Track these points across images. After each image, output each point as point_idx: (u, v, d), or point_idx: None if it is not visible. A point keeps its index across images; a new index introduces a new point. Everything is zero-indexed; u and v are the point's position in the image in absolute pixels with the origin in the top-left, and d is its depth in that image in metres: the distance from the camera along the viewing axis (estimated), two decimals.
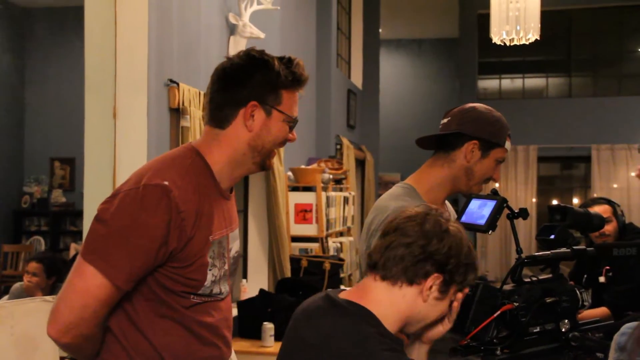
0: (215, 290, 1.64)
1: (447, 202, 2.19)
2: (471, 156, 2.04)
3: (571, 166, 11.54)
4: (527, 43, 4.74)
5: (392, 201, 2.00)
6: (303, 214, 5.54)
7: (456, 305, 1.55)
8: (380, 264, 1.48)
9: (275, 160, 4.85)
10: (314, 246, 5.46)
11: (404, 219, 1.48)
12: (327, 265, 4.77)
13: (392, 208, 1.97)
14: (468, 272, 1.50)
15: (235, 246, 1.74)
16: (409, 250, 1.44)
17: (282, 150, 5.01)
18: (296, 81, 1.67)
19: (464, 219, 1.87)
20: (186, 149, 1.68)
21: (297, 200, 5.49)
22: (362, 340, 1.40)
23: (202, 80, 3.63)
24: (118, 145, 2.96)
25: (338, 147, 7.53)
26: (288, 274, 4.86)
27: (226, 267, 1.68)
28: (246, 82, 1.64)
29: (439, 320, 1.56)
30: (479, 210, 1.84)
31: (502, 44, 4.85)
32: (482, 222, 1.81)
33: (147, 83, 3.02)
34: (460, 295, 1.53)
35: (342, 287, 5.16)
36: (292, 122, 1.69)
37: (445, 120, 2.08)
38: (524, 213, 1.85)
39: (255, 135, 1.65)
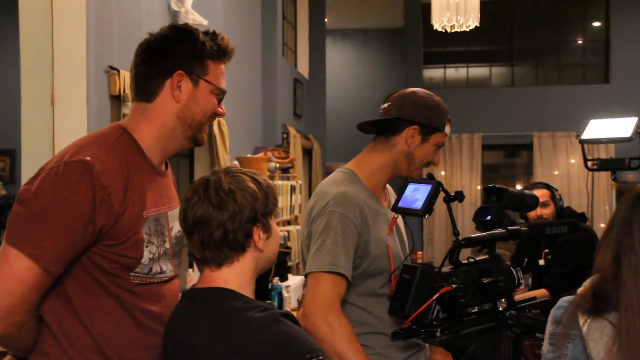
0: (155, 268, 1.60)
1: (388, 186, 2.21)
2: (412, 141, 2.06)
3: (514, 154, 11.77)
4: (468, 30, 4.83)
5: (333, 186, 2.01)
6: None
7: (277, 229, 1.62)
8: (207, 258, 1.51)
9: (220, 149, 4.83)
10: None
11: (191, 209, 1.49)
12: None
13: (334, 193, 1.98)
14: (269, 199, 1.54)
15: (177, 226, 1.70)
16: (221, 231, 1.47)
17: (227, 138, 4.98)
18: (222, 52, 1.66)
19: (400, 204, 1.88)
20: (112, 127, 1.65)
21: None
22: (234, 315, 1.44)
23: None
24: (57, 133, 2.90)
25: (285, 136, 7.52)
26: None
27: (167, 245, 1.65)
28: (171, 52, 1.62)
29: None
30: (415, 194, 1.86)
31: (444, 31, 4.93)
32: (419, 206, 1.83)
33: (85, 69, 2.96)
34: (274, 219, 1.60)
35: (290, 275, 5.18)
36: (220, 94, 1.68)
37: (385, 105, 2.10)
38: (459, 196, 1.88)
39: (184, 107, 1.62)
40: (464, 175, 10.90)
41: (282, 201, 6.06)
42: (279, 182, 5.91)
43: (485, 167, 11.26)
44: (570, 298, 1.29)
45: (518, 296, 2.02)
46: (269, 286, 4.39)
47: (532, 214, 3.97)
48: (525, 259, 4.06)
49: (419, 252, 7.94)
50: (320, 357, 1.17)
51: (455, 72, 11.93)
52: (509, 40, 11.57)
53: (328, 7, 10.23)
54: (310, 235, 1.97)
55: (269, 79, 7.09)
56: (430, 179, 1.90)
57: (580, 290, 1.27)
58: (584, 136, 4.26)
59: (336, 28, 12.36)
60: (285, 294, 4.53)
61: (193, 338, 1.46)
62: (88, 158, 1.48)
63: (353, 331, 1.90)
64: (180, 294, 1.73)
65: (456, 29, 4.80)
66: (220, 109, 1.70)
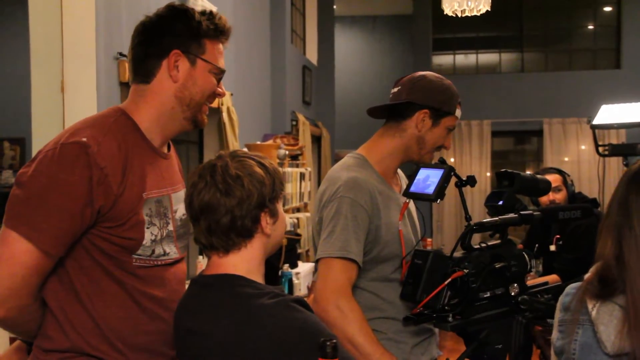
0: (158, 250, 1.60)
1: (399, 171, 2.21)
2: (422, 125, 2.05)
3: (524, 140, 11.71)
4: (479, 14, 4.78)
5: (344, 172, 2.01)
6: None
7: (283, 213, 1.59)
8: (215, 245, 1.48)
9: (230, 136, 4.82)
10: None
11: (198, 195, 1.47)
12: (283, 241, 4.78)
13: (344, 179, 1.97)
14: (276, 184, 1.52)
15: (182, 208, 1.69)
16: (229, 217, 1.45)
17: (236, 125, 4.97)
18: (219, 31, 1.65)
19: (412, 188, 1.87)
20: (110, 109, 1.64)
21: None
22: (244, 302, 1.42)
23: None
24: (67, 120, 2.90)
25: (294, 123, 7.50)
26: None
27: (170, 227, 1.64)
28: (167, 31, 1.60)
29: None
30: (427, 179, 1.85)
31: (455, 16, 4.89)
32: (431, 191, 1.82)
33: (95, 56, 2.95)
34: (280, 203, 1.57)
35: (299, 262, 5.19)
36: (218, 73, 1.66)
37: (395, 90, 2.09)
38: (471, 181, 1.87)
39: (181, 86, 1.61)
40: (474, 161, 10.86)
41: (292, 188, 6.06)
42: (288, 169, 5.91)
43: (495, 154, 11.21)
44: (577, 284, 1.29)
45: (530, 282, 2.01)
46: (279, 273, 4.40)
47: (544, 199, 3.96)
48: (536, 245, 4.04)
49: (429, 239, 7.93)
50: (334, 341, 1.16)
51: (464, 59, 11.86)
52: (519, 26, 11.48)
53: None
54: (322, 221, 1.97)
55: (277, 66, 7.07)
56: (442, 163, 1.89)
57: (587, 276, 1.26)
58: (596, 121, 4.23)
59: (345, 15, 12.31)
60: (295, 281, 4.53)
61: (203, 326, 1.45)
62: (84, 139, 1.47)
63: (364, 316, 1.89)
64: (185, 279, 1.72)
65: (467, 14, 4.77)
66: (220, 89, 1.68)
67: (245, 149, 5.50)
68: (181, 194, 1.72)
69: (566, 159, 10.65)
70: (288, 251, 4.79)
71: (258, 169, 1.48)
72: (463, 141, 10.88)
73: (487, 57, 11.78)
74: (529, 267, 1.93)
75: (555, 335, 1.30)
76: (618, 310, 1.17)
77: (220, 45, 1.67)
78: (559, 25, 11.43)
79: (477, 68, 11.71)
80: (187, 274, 1.79)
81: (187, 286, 1.60)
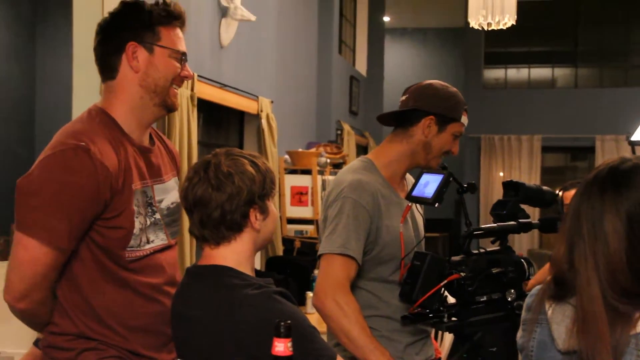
0: (144, 239, 1.70)
1: (409, 176, 2.28)
2: (428, 131, 2.11)
3: (576, 157, 11.54)
4: (505, 28, 4.82)
5: (349, 174, 2.09)
6: (299, 196, 5.64)
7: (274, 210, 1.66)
8: (206, 237, 1.58)
9: (268, 142, 4.94)
10: (309, 228, 5.58)
11: (192, 189, 1.56)
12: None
13: (349, 180, 2.06)
14: (267, 182, 1.60)
15: (169, 198, 1.80)
16: (219, 211, 1.54)
17: (275, 132, 5.09)
18: (171, 16, 1.72)
19: (414, 193, 1.95)
20: (90, 110, 1.75)
21: (293, 182, 5.59)
22: (229, 292, 1.52)
23: (192, 61, 3.63)
24: None
25: (339, 132, 7.61)
26: (280, 253, 4.96)
27: (157, 216, 1.75)
28: (121, 26, 1.70)
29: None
30: (428, 184, 1.92)
31: (481, 29, 4.94)
32: (430, 195, 1.89)
33: None
34: (272, 201, 1.63)
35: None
36: (179, 57, 1.73)
37: (403, 98, 2.17)
38: (472, 187, 1.93)
39: (144, 74, 1.70)
40: (523, 177, 10.73)
41: None
42: (329, 177, 6.00)
43: (545, 170, 11.07)
44: (540, 286, 1.35)
45: None
46: (311, 277, 4.49)
47: None
48: None
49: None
50: (289, 322, 1.25)
51: (516, 73, 11.77)
52: (574, 41, 11.34)
53: (388, 6, 10.25)
54: (326, 219, 2.06)
55: (324, 76, 7.20)
56: (443, 169, 1.96)
57: (548, 278, 1.32)
58: (635, 137, 4.20)
59: (395, 27, 12.38)
60: None
61: (192, 312, 1.57)
62: (83, 143, 1.58)
63: (360, 311, 1.96)
64: (177, 264, 1.85)
65: (493, 27, 4.81)
66: (185, 71, 1.76)
67: (286, 156, 5.63)
68: (169, 184, 1.83)
69: None
70: None
71: (249, 168, 1.57)
72: (512, 155, 10.78)
73: (540, 72, 11.67)
74: (527, 274, 1.98)
75: (519, 333, 1.36)
76: (570, 310, 1.23)
77: (178, 30, 1.75)
78: (614, 40, 11.24)
79: (529, 82, 11.61)
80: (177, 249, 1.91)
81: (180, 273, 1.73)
